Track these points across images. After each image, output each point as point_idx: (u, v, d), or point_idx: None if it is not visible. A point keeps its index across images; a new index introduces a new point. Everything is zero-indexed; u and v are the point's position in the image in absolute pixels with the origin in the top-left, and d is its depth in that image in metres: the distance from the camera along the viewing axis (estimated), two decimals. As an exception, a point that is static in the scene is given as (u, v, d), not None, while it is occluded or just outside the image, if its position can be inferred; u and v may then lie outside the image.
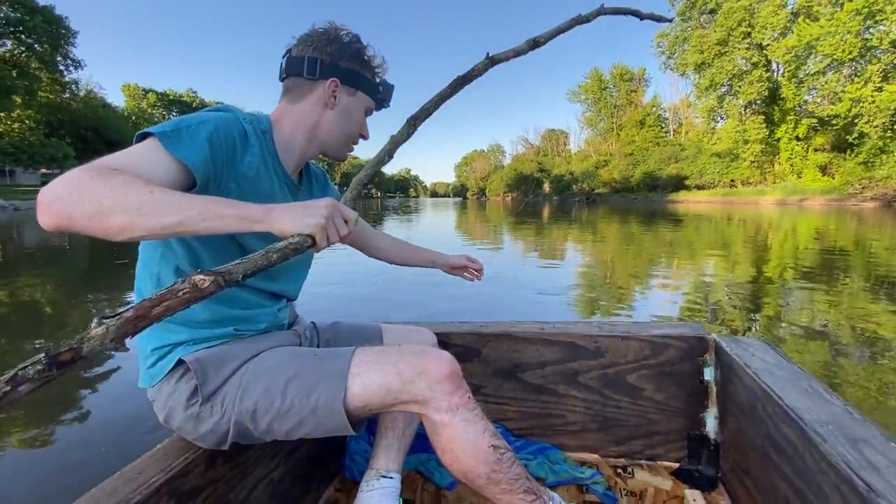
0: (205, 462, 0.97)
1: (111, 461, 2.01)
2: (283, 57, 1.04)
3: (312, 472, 1.38)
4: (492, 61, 1.02)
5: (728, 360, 1.34)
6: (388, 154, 0.97)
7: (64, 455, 2.14)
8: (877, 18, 33.44)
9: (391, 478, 1.14)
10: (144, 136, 0.80)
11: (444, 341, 1.54)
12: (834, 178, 38.08)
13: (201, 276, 0.61)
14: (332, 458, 1.49)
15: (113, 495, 0.79)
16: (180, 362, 0.93)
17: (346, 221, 0.81)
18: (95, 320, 0.52)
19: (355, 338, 1.25)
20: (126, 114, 71.95)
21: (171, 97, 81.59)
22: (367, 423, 1.42)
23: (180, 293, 0.60)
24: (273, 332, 1.07)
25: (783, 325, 4.04)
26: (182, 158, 0.78)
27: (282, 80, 1.05)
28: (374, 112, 1.14)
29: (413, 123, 0.97)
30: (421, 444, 1.34)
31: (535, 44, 1.05)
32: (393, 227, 18.00)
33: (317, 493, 1.39)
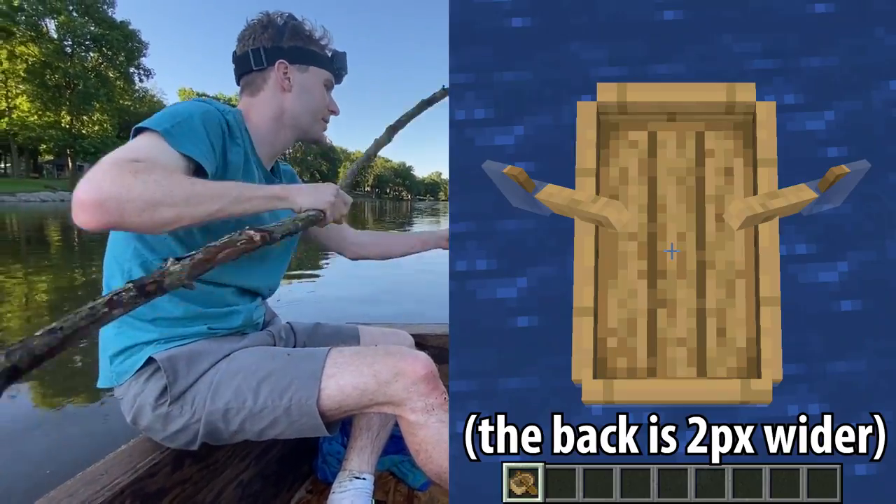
0: (172, 463, 0.90)
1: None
2: (233, 62, 1.03)
3: (284, 474, 1.30)
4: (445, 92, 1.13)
5: None
6: (369, 156, 1.16)
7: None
8: None
9: (364, 479, 1.08)
10: (141, 130, 0.78)
11: (420, 343, 1.48)
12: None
13: (253, 231, 0.66)
14: (304, 460, 1.41)
15: (74, 497, 0.73)
16: (150, 361, 0.88)
17: (345, 203, 0.91)
18: (171, 259, 0.55)
19: (331, 339, 1.19)
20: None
21: (222, 101, 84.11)
22: (342, 425, 1.38)
23: (239, 243, 0.65)
24: (247, 332, 1.02)
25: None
26: (190, 154, 0.78)
27: (238, 83, 1.04)
28: (336, 84, 1.09)
29: (393, 130, 1.13)
30: (394, 445, 1.29)
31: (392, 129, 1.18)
32: (422, 227, 18.02)
33: (288, 495, 1.31)
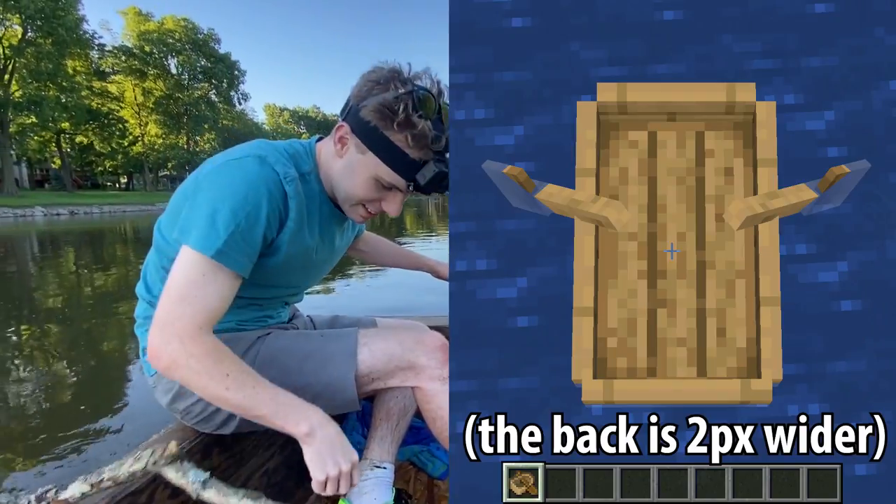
0: (201, 451, 0.93)
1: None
2: None
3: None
4: None
5: None
6: None
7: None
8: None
9: (385, 468, 1.08)
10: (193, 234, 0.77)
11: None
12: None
13: None
14: None
15: (106, 482, 0.76)
16: None
17: (342, 483, 0.81)
18: None
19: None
20: (268, 129, 77.24)
21: (300, 114, 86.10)
22: (362, 416, 1.38)
23: None
24: (272, 329, 1.05)
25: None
26: (240, 272, 0.80)
27: None
28: (406, 190, 0.88)
29: None
30: (413, 436, 1.32)
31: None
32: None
33: (311, 485, 1.35)
